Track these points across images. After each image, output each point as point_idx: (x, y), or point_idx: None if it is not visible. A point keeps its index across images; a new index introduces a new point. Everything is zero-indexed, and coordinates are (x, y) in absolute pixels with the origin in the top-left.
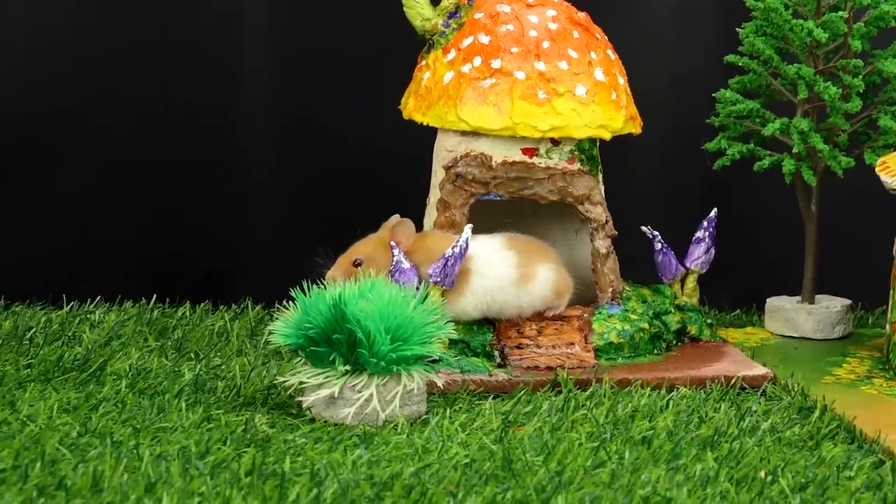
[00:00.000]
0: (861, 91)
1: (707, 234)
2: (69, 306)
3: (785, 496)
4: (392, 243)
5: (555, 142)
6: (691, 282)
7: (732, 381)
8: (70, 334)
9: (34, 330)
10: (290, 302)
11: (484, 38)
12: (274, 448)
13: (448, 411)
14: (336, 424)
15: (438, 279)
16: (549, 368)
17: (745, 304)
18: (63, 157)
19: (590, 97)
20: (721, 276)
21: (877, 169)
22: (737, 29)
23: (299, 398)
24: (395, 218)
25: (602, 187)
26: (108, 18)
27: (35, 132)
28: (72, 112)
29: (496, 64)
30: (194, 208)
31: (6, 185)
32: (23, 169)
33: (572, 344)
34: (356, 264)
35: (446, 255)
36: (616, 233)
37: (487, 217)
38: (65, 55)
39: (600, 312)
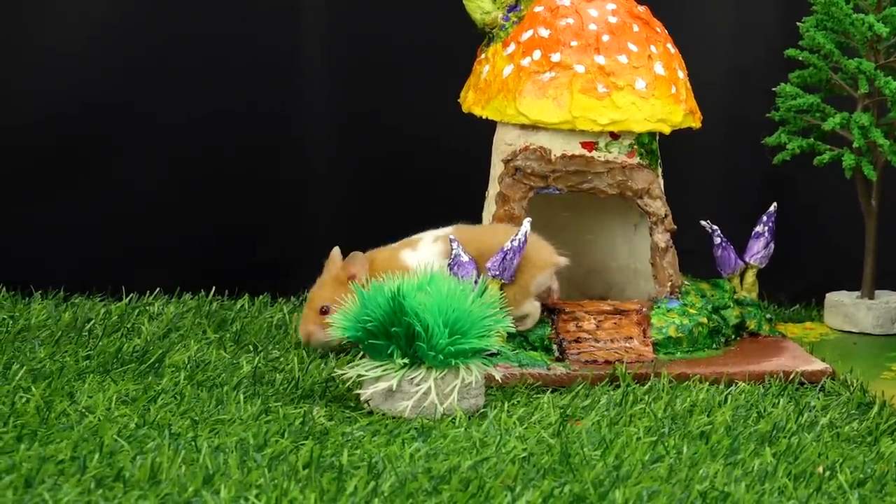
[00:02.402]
0: None
1: (766, 228)
2: (128, 298)
3: (843, 492)
4: (450, 237)
5: (614, 136)
6: (750, 276)
7: (791, 377)
8: (129, 326)
9: (93, 322)
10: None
11: (544, 32)
12: (332, 441)
13: (506, 405)
14: (394, 417)
15: (497, 273)
16: (608, 362)
17: (805, 299)
18: (122, 149)
19: (649, 91)
20: (780, 270)
21: None
22: (797, 23)
23: (357, 391)
24: (336, 252)
25: (661, 181)
26: (166, 10)
27: (94, 125)
28: (130, 104)
29: (556, 57)
30: (253, 200)
31: (67, 178)
32: (83, 161)
33: (631, 338)
34: (323, 312)
35: (505, 249)
36: (675, 227)
37: (546, 211)
38: (122, 47)
39: (659, 307)
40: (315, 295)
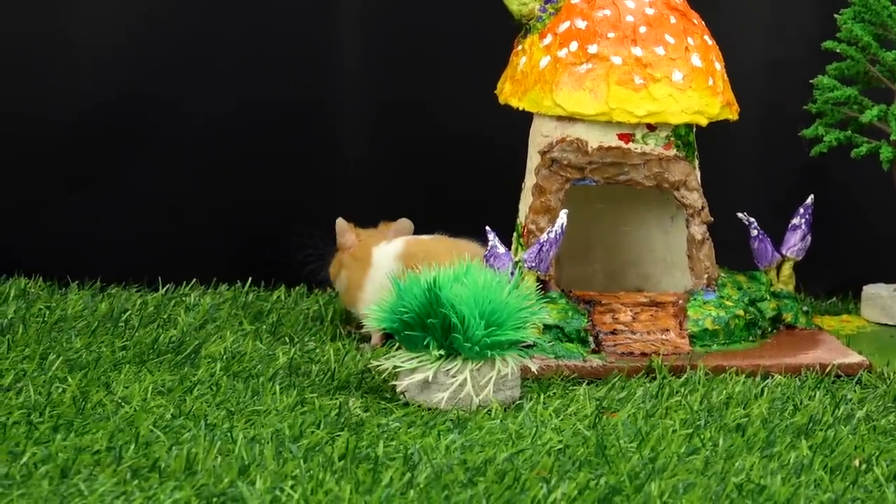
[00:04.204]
0: None
1: (803, 221)
2: (164, 289)
3: (879, 485)
4: (486, 228)
5: (651, 127)
6: (787, 269)
7: (828, 369)
8: (165, 317)
9: (130, 312)
10: None
11: (580, 23)
12: (367, 432)
13: (542, 397)
14: (430, 409)
15: (533, 264)
16: (644, 355)
17: (842, 292)
18: (158, 140)
19: (686, 83)
20: (817, 263)
21: None
22: (835, 15)
23: (393, 382)
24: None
25: (698, 173)
26: (202, 3)
27: (131, 116)
28: (167, 96)
29: (593, 49)
30: (289, 191)
31: (103, 169)
32: (120, 154)
33: (667, 330)
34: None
35: (541, 241)
36: (712, 219)
37: (583, 203)
38: (158, 41)
39: (695, 299)
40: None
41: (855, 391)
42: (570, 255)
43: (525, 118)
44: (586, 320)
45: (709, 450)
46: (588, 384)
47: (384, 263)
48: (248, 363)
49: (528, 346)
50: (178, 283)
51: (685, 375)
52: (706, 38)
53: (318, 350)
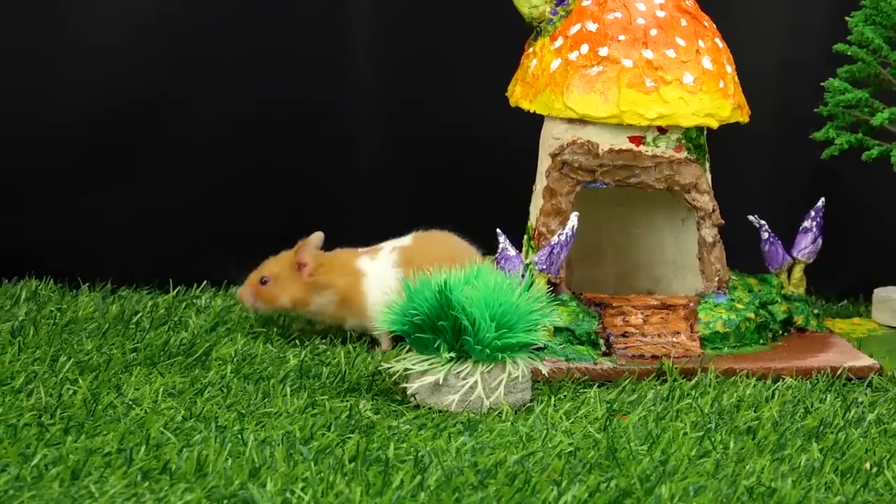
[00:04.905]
0: None
1: (814, 223)
2: (175, 291)
3: (890, 488)
4: (497, 231)
5: (662, 130)
6: (798, 272)
7: (839, 372)
8: (176, 319)
9: (140, 314)
10: None
11: (591, 26)
12: (378, 434)
13: (552, 399)
14: (440, 411)
15: (544, 267)
16: (655, 357)
17: (852, 295)
18: (169, 141)
19: (697, 85)
20: (828, 266)
21: None
22: (846, 18)
23: (404, 385)
24: (314, 237)
25: (709, 176)
26: (213, 3)
27: (142, 117)
28: (177, 98)
29: (603, 52)
30: (299, 193)
31: (114, 172)
32: (130, 155)
33: (678, 333)
34: (262, 282)
35: (552, 243)
36: (723, 222)
37: (593, 205)
38: (169, 42)
39: (706, 301)
40: (266, 264)
41: (866, 394)
42: (581, 258)
43: (536, 121)
44: (597, 323)
45: (719, 453)
46: (599, 387)
47: (380, 272)
48: (258, 365)
49: (539, 349)
50: (188, 286)
51: (696, 378)
52: (717, 40)
53: (328, 352)
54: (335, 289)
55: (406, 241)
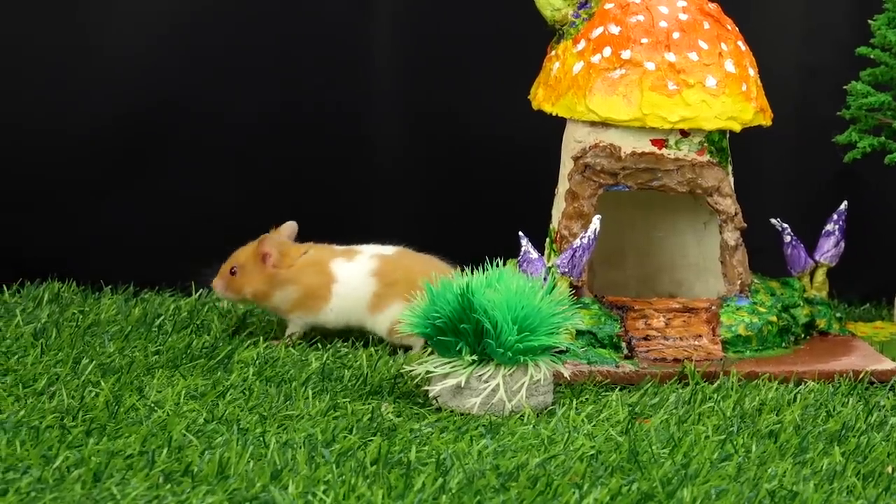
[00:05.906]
0: None
1: (837, 227)
2: (198, 294)
3: None
4: (520, 234)
5: (684, 133)
6: (820, 275)
7: (861, 376)
8: (199, 322)
9: (163, 317)
10: None
11: (614, 29)
12: (400, 437)
13: (574, 402)
14: (462, 414)
15: (566, 270)
16: (677, 360)
17: (875, 298)
18: (191, 146)
19: (720, 88)
20: (850, 269)
21: None
22: (868, 21)
23: (426, 387)
24: (286, 226)
25: (731, 179)
26: (234, 8)
27: (163, 122)
28: (199, 103)
29: (626, 55)
30: (321, 198)
31: (137, 175)
32: (153, 159)
33: (700, 336)
34: (231, 272)
35: (574, 246)
36: (745, 225)
37: (616, 208)
38: (190, 46)
39: (728, 305)
40: (236, 254)
41: (888, 398)
42: (603, 261)
43: (558, 124)
44: (619, 326)
45: (741, 456)
46: (621, 390)
47: (353, 279)
48: (280, 368)
49: (561, 352)
50: (211, 289)
51: (718, 381)
52: (740, 43)
53: (350, 355)
54: (300, 286)
55: (389, 250)
